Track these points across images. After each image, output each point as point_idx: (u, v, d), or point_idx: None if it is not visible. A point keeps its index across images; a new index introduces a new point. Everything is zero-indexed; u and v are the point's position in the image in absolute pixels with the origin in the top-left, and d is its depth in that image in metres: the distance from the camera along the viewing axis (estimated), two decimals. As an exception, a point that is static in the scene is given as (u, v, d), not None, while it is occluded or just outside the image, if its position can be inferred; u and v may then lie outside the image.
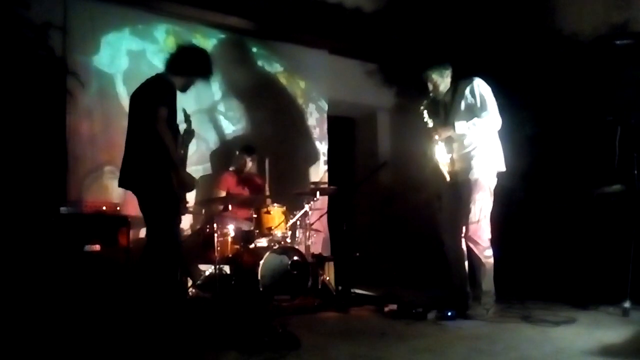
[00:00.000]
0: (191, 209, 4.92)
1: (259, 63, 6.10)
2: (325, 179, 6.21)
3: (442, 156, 4.05)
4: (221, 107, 5.81)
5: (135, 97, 3.56)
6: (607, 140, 4.05)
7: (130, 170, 3.45)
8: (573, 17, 5.45)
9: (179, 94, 3.57)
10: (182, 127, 3.67)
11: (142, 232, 5.09)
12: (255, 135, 5.91)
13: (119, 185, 3.60)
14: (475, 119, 3.93)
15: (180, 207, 3.52)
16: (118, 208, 4.38)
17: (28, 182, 4.20)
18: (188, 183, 3.50)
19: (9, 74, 4.08)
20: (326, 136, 6.48)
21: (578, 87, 5.13)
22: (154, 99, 3.35)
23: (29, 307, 3.60)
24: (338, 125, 7.01)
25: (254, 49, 6.07)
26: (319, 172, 6.33)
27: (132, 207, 4.57)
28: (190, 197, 5.36)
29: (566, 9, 5.53)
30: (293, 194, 5.29)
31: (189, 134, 3.64)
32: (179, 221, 3.63)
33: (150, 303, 3.30)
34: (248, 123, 5.94)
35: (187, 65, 3.56)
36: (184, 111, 3.64)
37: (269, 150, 5.96)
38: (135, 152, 3.44)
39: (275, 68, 6.20)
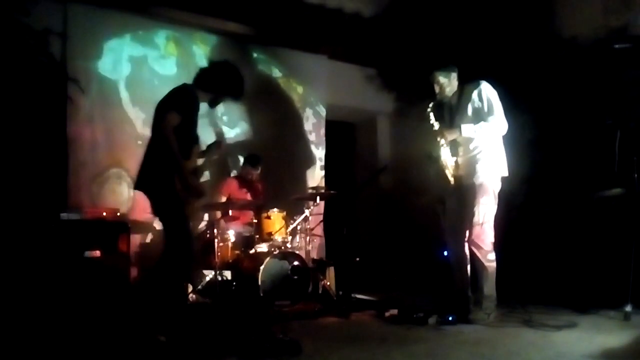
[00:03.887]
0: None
1: (258, 68, 6.11)
2: (322, 184, 6.19)
3: (447, 159, 4.05)
4: (220, 112, 5.81)
5: (158, 104, 3.60)
6: (607, 143, 4.05)
7: (140, 173, 3.49)
8: (572, 21, 5.44)
9: None
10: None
11: (146, 238, 5.11)
12: (252, 140, 5.91)
13: (134, 189, 3.63)
14: (482, 122, 3.92)
15: (184, 210, 3.48)
16: (119, 214, 4.39)
17: (29, 188, 4.20)
18: (195, 189, 3.50)
19: (9, 81, 4.09)
20: (323, 141, 6.46)
21: (577, 91, 5.12)
22: (167, 105, 3.42)
23: (29, 312, 3.60)
24: (338, 130, 7.02)
25: (253, 54, 6.07)
26: (315, 176, 6.32)
27: (141, 210, 4.60)
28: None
29: (565, 13, 5.52)
30: (292, 199, 5.29)
31: (213, 146, 3.83)
32: (187, 223, 3.56)
33: (155, 305, 3.30)
34: (246, 128, 5.94)
35: (214, 82, 3.57)
36: (219, 132, 3.73)
37: (266, 155, 5.96)
38: (145, 156, 3.50)
39: (274, 73, 6.20)
